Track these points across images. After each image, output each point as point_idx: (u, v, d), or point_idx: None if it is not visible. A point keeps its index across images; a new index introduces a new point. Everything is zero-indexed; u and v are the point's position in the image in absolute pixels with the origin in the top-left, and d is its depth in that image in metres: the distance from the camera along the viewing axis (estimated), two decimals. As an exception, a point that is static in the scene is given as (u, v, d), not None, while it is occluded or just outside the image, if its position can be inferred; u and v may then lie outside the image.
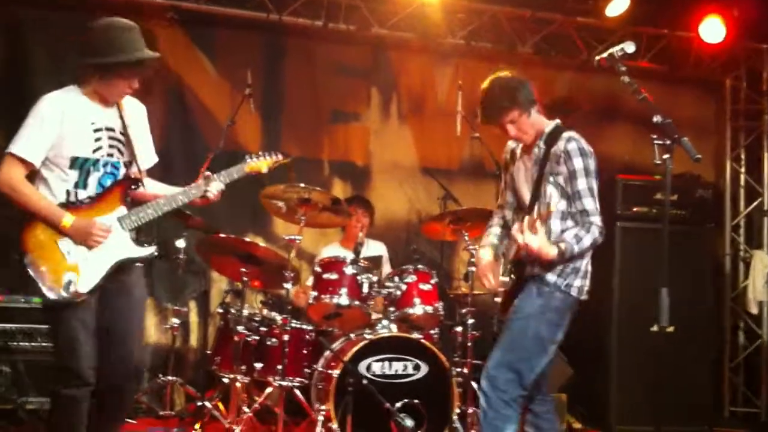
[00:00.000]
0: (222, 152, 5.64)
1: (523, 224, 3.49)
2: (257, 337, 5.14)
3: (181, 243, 5.37)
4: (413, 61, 7.18)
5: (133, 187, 3.65)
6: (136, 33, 3.55)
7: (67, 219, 3.45)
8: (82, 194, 3.55)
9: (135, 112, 3.75)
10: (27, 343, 5.29)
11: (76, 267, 3.47)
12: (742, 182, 7.60)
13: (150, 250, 3.65)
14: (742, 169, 7.57)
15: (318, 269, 5.29)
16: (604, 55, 3.36)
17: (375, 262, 5.77)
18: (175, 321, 5.40)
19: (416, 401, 4.85)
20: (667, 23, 7.06)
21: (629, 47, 3.24)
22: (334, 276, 5.19)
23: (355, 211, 5.96)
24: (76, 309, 3.46)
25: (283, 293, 5.30)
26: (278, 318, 5.20)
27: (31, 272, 3.43)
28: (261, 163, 4.03)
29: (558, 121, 3.82)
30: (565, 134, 3.70)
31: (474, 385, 5.35)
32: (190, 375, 5.93)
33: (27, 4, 6.28)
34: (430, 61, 7.17)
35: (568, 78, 7.38)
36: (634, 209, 6.29)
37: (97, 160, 3.56)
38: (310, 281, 5.67)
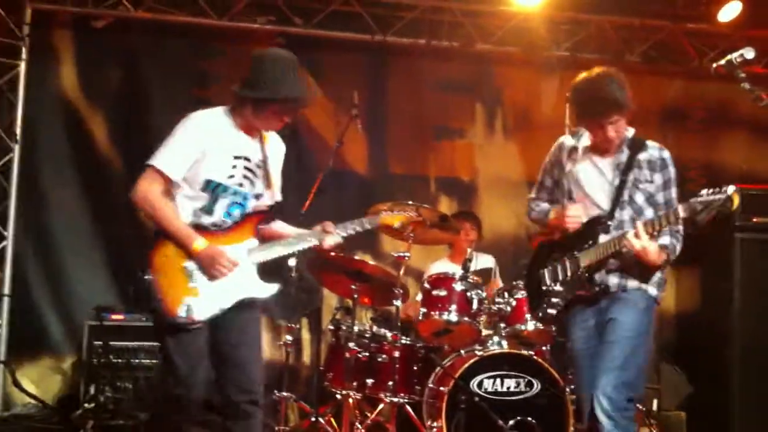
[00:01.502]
0: (331, 171, 5.77)
1: (638, 229, 3.38)
2: (368, 354, 5.19)
3: (292, 261, 5.48)
4: (517, 74, 7.16)
5: (267, 220, 3.60)
6: (296, 68, 3.49)
7: (199, 243, 3.37)
8: (207, 219, 3.47)
9: (275, 149, 3.70)
10: (148, 360, 5.51)
11: (196, 292, 3.38)
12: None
13: (272, 291, 3.58)
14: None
15: (427, 286, 5.31)
16: (722, 62, 3.23)
17: (485, 275, 5.75)
18: (288, 338, 5.50)
19: (530, 419, 4.79)
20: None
21: (748, 53, 3.10)
22: (443, 292, 5.20)
23: (462, 226, 5.96)
24: (189, 335, 3.39)
25: (392, 310, 5.35)
26: (388, 334, 5.24)
27: (151, 291, 3.35)
28: (395, 218, 3.99)
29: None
30: (652, 143, 3.65)
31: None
32: (303, 391, 6.03)
33: (142, 32, 6.59)
34: (535, 74, 7.12)
35: (678, 86, 7.21)
36: (754, 220, 6.05)
37: (228, 187, 3.47)
38: (418, 297, 5.69)
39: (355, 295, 5.30)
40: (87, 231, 6.28)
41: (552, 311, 3.70)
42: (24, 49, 6.33)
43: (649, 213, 3.56)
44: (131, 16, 6.43)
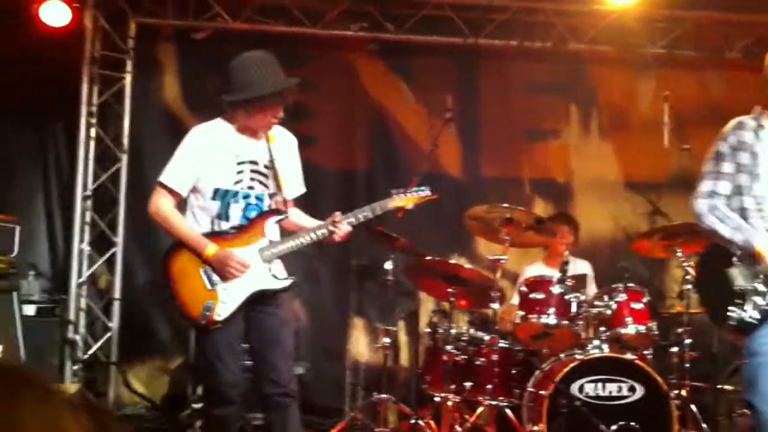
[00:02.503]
0: (426, 176, 5.81)
1: None
2: (466, 357, 5.21)
3: (389, 265, 5.55)
4: (612, 73, 7.04)
5: (276, 218, 3.73)
6: (272, 65, 3.65)
7: (210, 249, 3.58)
8: (225, 225, 3.66)
9: (285, 144, 3.85)
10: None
11: (215, 295, 3.60)
12: None
13: (285, 283, 3.74)
14: None
15: (524, 289, 5.30)
16: None
17: (580, 281, 5.69)
18: (386, 340, 5.57)
19: (633, 424, 4.72)
20: None
21: None
22: (540, 295, 5.18)
23: (559, 229, 5.92)
24: (215, 335, 3.61)
25: (488, 313, 5.35)
26: (486, 337, 5.25)
27: (172, 297, 3.62)
28: (408, 199, 3.90)
29: None
30: None
31: (693, 408, 5.15)
32: (401, 393, 6.08)
33: (240, 42, 6.75)
34: (630, 73, 6.98)
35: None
36: None
37: (237, 192, 3.66)
38: (514, 300, 5.68)
39: (452, 299, 5.33)
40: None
41: (755, 314, 3.24)
42: (129, 62, 6.60)
43: None
44: (229, 27, 6.62)
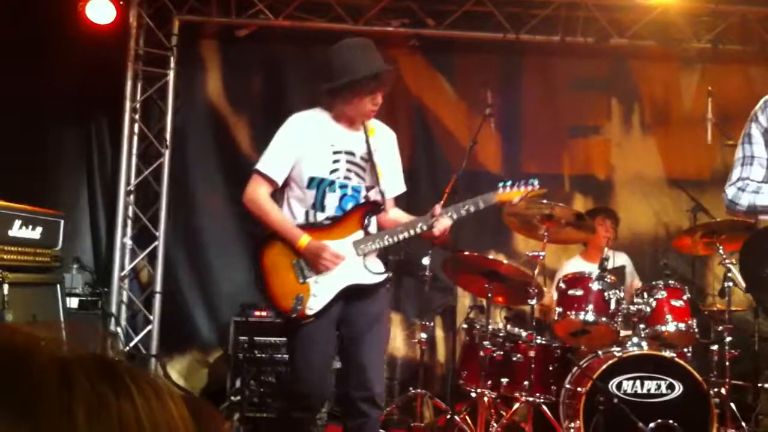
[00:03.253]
0: (465, 172, 5.81)
1: None
2: (502, 353, 5.19)
3: (426, 260, 5.55)
4: (655, 69, 6.94)
5: (373, 211, 3.62)
6: (369, 49, 3.58)
7: (303, 239, 3.47)
8: (320, 215, 3.56)
9: (385, 139, 3.75)
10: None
11: (307, 288, 3.49)
12: None
13: (380, 278, 3.60)
14: None
15: (562, 285, 5.26)
16: None
17: (618, 273, 5.63)
18: (423, 336, 5.58)
19: (671, 422, 4.66)
20: None
21: None
22: (579, 292, 5.13)
23: (602, 223, 5.86)
24: (305, 330, 3.47)
25: (526, 309, 5.33)
26: (523, 334, 5.23)
27: (264, 289, 3.52)
28: (513, 193, 3.67)
29: None
30: None
31: (733, 406, 5.06)
32: (438, 388, 6.10)
33: (282, 39, 6.83)
34: (674, 68, 6.89)
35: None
36: None
37: (333, 182, 3.56)
38: (553, 296, 5.64)
39: (489, 294, 5.32)
40: (232, 232, 6.51)
41: None
42: (172, 59, 6.70)
43: None
44: (272, 23, 6.68)
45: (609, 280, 5.14)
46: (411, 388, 5.52)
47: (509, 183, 3.68)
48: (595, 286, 5.11)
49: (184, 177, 6.69)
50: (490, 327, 5.26)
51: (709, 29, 6.67)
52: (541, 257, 5.18)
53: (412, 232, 3.60)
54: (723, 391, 5.01)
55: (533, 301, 5.16)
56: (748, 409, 5.27)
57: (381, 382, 3.63)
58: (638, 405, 4.70)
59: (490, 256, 5.75)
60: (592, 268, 5.42)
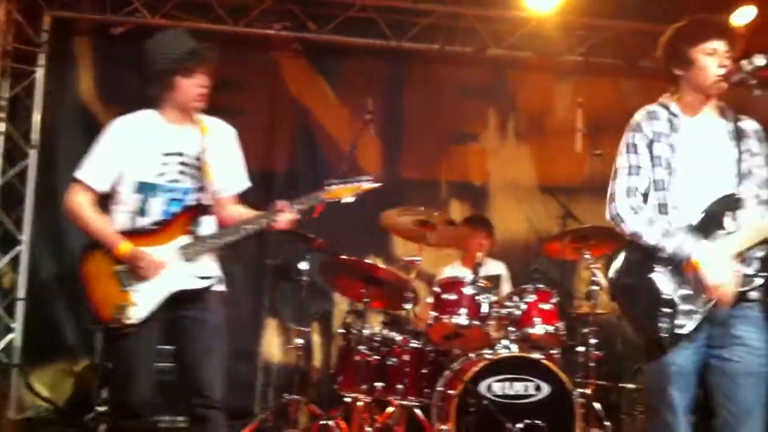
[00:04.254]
0: (344, 176, 5.80)
1: None
2: (378, 357, 5.19)
3: (304, 265, 5.51)
4: (531, 79, 7.16)
5: (201, 214, 3.53)
6: (181, 34, 3.57)
7: (123, 247, 3.40)
8: (145, 221, 3.48)
9: (221, 136, 3.67)
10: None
11: (128, 296, 3.41)
12: None
13: (207, 282, 3.52)
14: None
15: (437, 289, 5.31)
16: (734, 68, 3.09)
17: (494, 281, 5.74)
18: (299, 341, 5.53)
19: (538, 422, 4.77)
20: (800, 29, 6.74)
21: (759, 60, 2.98)
22: (453, 296, 5.20)
23: (474, 230, 5.97)
24: (127, 339, 3.40)
25: (403, 313, 5.36)
26: (398, 338, 5.25)
27: (86, 298, 3.42)
28: (342, 190, 3.65)
29: None
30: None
31: (597, 406, 5.24)
32: (313, 394, 6.06)
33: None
34: (549, 79, 7.12)
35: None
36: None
37: (160, 185, 3.49)
38: (429, 301, 5.69)
39: (366, 299, 5.32)
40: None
41: (688, 323, 3.00)
42: (42, 56, 6.43)
43: (764, 188, 3.10)
44: (148, 22, 6.50)
45: (482, 285, 5.23)
46: (286, 394, 5.45)
47: (338, 180, 3.66)
48: (469, 291, 5.18)
49: (52, 178, 6.40)
50: (366, 331, 5.26)
51: (582, 42, 6.91)
52: (418, 262, 5.24)
53: (252, 228, 3.54)
54: (588, 391, 5.18)
55: (409, 306, 5.19)
56: (612, 408, 5.47)
57: (220, 386, 3.54)
58: (507, 406, 4.79)
59: (369, 261, 5.75)
60: (468, 274, 5.50)
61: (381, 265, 5.72)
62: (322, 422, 5.19)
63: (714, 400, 3.06)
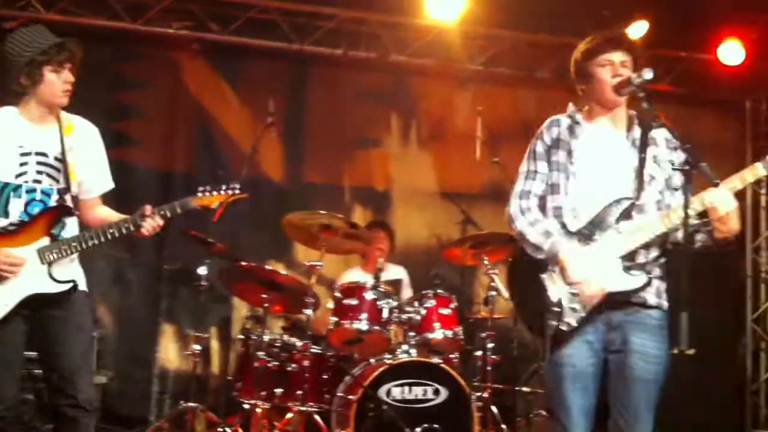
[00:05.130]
0: (246, 180, 5.74)
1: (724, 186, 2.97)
2: (278, 363, 5.17)
3: (203, 270, 5.42)
4: (433, 87, 7.24)
5: (62, 216, 3.47)
6: (42, 28, 3.50)
7: None
8: (3, 222, 3.38)
9: (85, 135, 3.60)
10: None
11: None
12: (763, 203, 7.56)
13: (65, 287, 3.43)
14: (763, 191, 7.52)
15: (338, 294, 5.32)
16: (623, 82, 3.17)
17: (394, 287, 5.80)
18: (197, 347, 5.44)
19: (436, 426, 4.84)
20: (686, 46, 7.07)
21: (647, 74, 3.08)
22: (354, 301, 5.22)
23: (375, 235, 6.01)
24: None
25: (303, 319, 5.34)
26: (299, 343, 5.23)
27: None
28: (212, 198, 3.62)
29: None
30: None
31: (494, 409, 5.36)
32: (211, 401, 5.97)
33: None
34: (450, 87, 7.22)
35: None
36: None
37: (19, 186, 3.40)
38: (331, 306, 5.70)
39: (266, 304, 5.29)
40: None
41: (571, 321, 3.09)
42: None
43: (674, 197, 3.17)
44: (42, 17, 6.24)
45: (383, 290, 5.27)
46: (183, 402, 5.35)
47: (208, 188, 3.63)
48: (369, 296, 5.22)
49: None
50: (266, 337, 5.23)
51: (482, 52, 7.05)
52: (318, 267, 5.24)
53: (116, 232, 3.46)
54: (485, 394, 5.29)
55: (309, 311, 5.18)
56: (508, 411, 5.60)
57: (88, 385, 3.50)
58: (406, 410, 4.86)
59: (269, 266, 5.71)
60: (369, 279, 5.53)
61: (282, 270, 5.70)
62: (219, 429, 5.13)
63: (609, 402, 3.17)
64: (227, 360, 5.81)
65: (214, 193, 3.63)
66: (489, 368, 5.33)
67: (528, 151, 3.31)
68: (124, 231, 3.46)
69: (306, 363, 5.09)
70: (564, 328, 3.09)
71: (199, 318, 5.72)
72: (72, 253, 3.46)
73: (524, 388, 5.71)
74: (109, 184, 3.69)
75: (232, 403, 5.34)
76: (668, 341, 3.14)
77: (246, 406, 5.14)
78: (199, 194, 3.61)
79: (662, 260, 3.20)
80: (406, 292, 6.05)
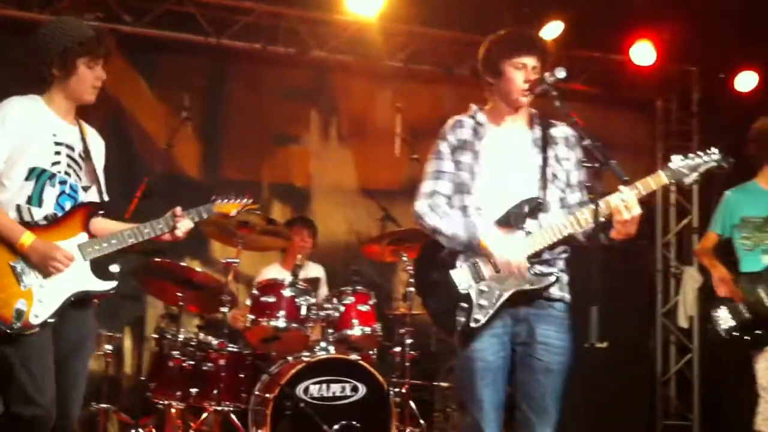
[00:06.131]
0: (160, 176, 5.65)
1: (625, 190, 3.01)
2: (193, 362, 5.08)
3: (115, 268, 5.25)
4: (353, 83, 7.23)
5: (95, 213, 3.35)
6: (81, 21, 3.41)
7: (26, 238, 3.10)
8: (37, 212, 3.20)
9: (96, 143, 3.49)
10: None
11: (29, 294, 3.10)
12: (673, 201, 7.80)
13: (111, 285, 3.35)
14: (673, 188, 7.76)
15: (256, 292, 5.25)
16: (536, 80, 3.19)
17: (313, 284, 5.75)
18: (109, 347, 5.29)
19: (354, 423, 4.83)
20: (600, 46, 7.24)
21: (560, 73, 3.13)
22: (272, 299, 5.16)
23: (298, 232, 5.96)
24: (30, 344, 3.09)
25: (220, 317, 5.25)
26: (215, 342, 5.15)
27: None
28: (229, 206, 3.71)
29: None
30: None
31: (412, 405, 5.38)
32: (125, 402, 5.84)
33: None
34: (370, 84, 7.22)
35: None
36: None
37: (54, 175, 3.24)
38: (248, 304, 5.62)
39: (181, 303, 5.18)
40: None
41: (480, 317, 3.12)
42: None
43: (573, 194, 3.27)
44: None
45: (301, 287, 5.23)
46: (94, 403, 5.20)
47: (226, 197, 3.74)
48: (288, 293, 5.17)
49: None
50: (181, 336, 5.12)
51: (402, 49, 7.06)
52: (235, 264, 5.16)
53: (151, 232, 3.42)
54: (403, 390, 5.30)
55: (226, 309, 5.10)
56: (426, 406, 5.63)
57: (79, 407, 3.36)
58: (324, 408, 4.83)
59: (184, 263, 5.59)
60: (288, 276, 5.48)
61: (198, 267, 5.60)
62: (132, 431, 5.00)
63: (516, 394, 3.22)
64: (141, 360, 5.66)
65: (231, 201, 3.72)
66: (407, 364, 5.33)
67: (433, 152, 3.33)
68: (158, 232, 3.42)
69: (222, 362, 5.00)
70: (473, 324, 3.12)
71: (112, 317, 5.56)
72: (110, 250, 3.33)
73: (442, 383, 5.75)
74: (104, 197, 3.50)
75: (145, 404, 5.22)
76: (571, 333, 3.22)
77: (160, 407, 5.03)
78: (218, 201, 3.70)
79: (565, 254, 3.27)
80: (324, 291, 6.02)
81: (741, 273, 4.51)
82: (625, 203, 3.00)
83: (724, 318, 4.45)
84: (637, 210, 3.02)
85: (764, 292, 4.31)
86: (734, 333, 4.41)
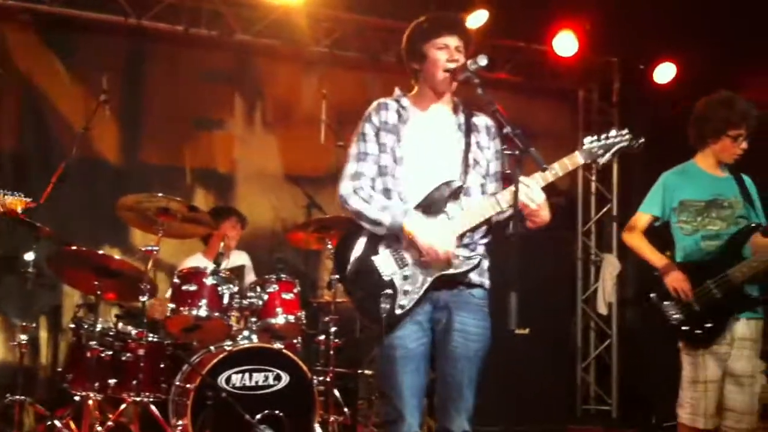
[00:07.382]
0: (77, 160, 5.48)
1: (535, 178, 3.04)
2: (111, 353, 4.95)
3: (30, 256, 5.09)
4: (279, 68, 7.14)
5: None
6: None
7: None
8: None
9: None
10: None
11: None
12: (593, 189, 7.96)
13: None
14: (593, 177, 7.92)
15: (177, 280, 5.14)
16: (457, 68, 3.17)
17: (238, 273, 5.68)
18: (23, 337, 5.11)
19: (277, 412, 4.79)
20: (524, 36, 7.32)
21: (482, 60, 3.13)
22: (193, 287, 5.05)
23: (228, 221, 5.86)
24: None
25: (139, 306, 5.13)
26: (134, 332, 5.03)
27: None
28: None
29: None
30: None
31: (336, 393, 5.36)
32: (41, 394, 5.66)
33: None
34: (296, 69, 7.14)
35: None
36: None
37: None
38: (169, 293, 5.51)
39: (99, 292, 5.03)
40: None
41: (406, 304, 3.12)
42: None
43: (491, 184, 3.30)
44: None
45: (224, 275, 5.14)
46: (9, 395, 5.02)
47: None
48: (210, 281, 5.07)
49: None
50: (99, 326, 4.98)
51: (328, 34, 7.01)
52: (155, 252, 5.03)
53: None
54: (327, 378, 5.29)
55: (145, 298, 4.98)
56: (351, 394, 5.63)
57: None
58: (246, 397, 4.76)
59: (102, 251, 5.44)
60: (209, 264, 5.39)
61: (116, 255, 5.45)
62: (48, 423, 4.86)
63: (436, 379, 3.23)
64: (57, 350, 5.50)
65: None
66: (332, 352, 5.32)
67: (357, 133, 3.29)
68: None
69: (141, 352, 4.88)
70: (398, 311, 3.11)
71: (27, 307, 5.39)
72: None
73: (366, 371, 5.75)
74: None
75: (62, 395, 5.06)
76: (492, 319, 3.23)
77: (77, 398, 4.89)
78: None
79: (485, 240, 3.29)
80: (250, 278, 5.94)
81: (683, 263, 4.16)
82: (528, 195, 3.01)
83: (672, 310, 4.19)
84: (540, 197, 3.03)
85: (713, 284, 4.11)
86: (684, 327, 4.08)
